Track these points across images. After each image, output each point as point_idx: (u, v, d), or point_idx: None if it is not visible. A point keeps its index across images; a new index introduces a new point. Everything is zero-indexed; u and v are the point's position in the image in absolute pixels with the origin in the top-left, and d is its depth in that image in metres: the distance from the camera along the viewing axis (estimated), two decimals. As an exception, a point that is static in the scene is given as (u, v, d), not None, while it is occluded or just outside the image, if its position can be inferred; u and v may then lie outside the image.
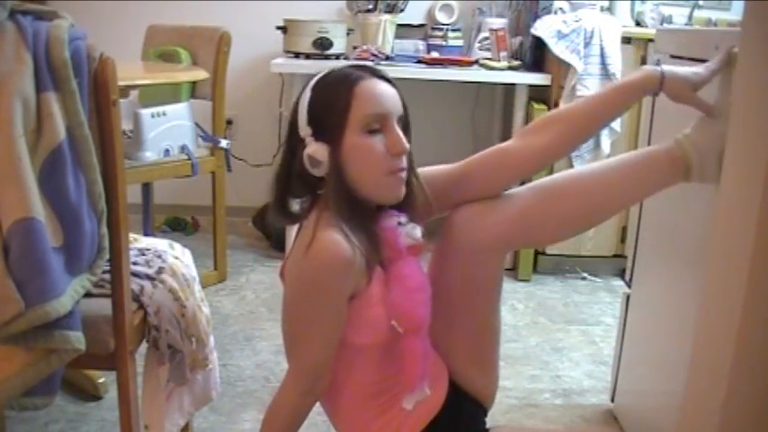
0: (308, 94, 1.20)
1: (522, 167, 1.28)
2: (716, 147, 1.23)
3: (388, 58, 2.95)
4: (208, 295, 1.78)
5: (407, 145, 1.19)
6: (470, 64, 2.91)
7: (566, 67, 2.73)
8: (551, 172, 1.47)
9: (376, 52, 2.94)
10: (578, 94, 2.68)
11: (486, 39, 3.02)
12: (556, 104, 2.77)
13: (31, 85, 1.11)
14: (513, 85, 2.88)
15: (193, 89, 2.69)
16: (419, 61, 2.93)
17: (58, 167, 1.13)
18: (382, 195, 1.21)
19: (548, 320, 2.55)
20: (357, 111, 1.15)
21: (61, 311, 1.12)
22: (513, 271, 2.93)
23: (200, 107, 2.68)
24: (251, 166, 3.41)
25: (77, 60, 1.15)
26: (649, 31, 2.71)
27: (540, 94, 2.88)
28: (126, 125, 2.25)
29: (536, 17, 2.87)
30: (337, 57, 2.91)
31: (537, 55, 2.96)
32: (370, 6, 3.05)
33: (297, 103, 1.22)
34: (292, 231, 1.38)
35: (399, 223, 1.24)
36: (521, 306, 2.66)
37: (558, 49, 2.71)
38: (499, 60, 2.90)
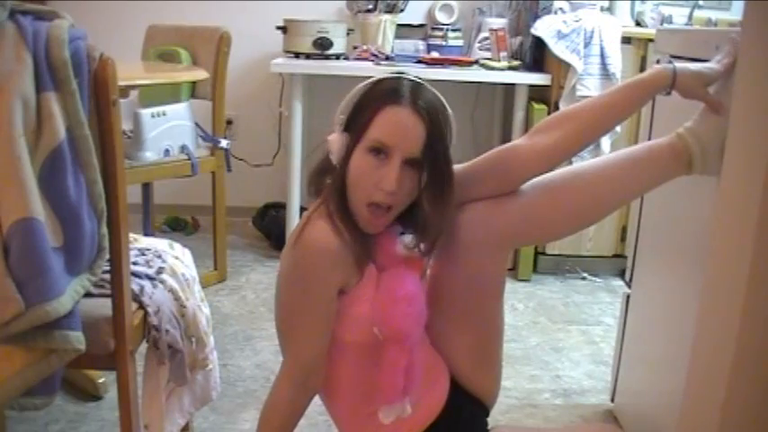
0: (362, 87, 1.22)
1: (531, 167, 1.25)
2: (717, 138, 1.23)
3: (387, 58, 2.96)
4: (208, 295, 1.78)
5: (394, 185, 1.15)
6: (470, 64, 2.91)
7: (566, 67, 2.73)
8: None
9: (376, 52, 2.95)
10: (578, 94, 2.67)
11: (486, 39, 3.02)
12: (556, 104, 2.77)
13: (31, 85, 1.11)
14: (513, 85, 2.88)
15: (193, 89, 2.69)
16: (419, 61, 2.93)
17: (58, 167, 1.13)
18: (360, 221, 1.21)
19: (548, 320, 2.55)
20: (372, 130, 1.17)
21: (61, 311, 1.12)
22: (513, 271, 2.92)
23: (200, 107, 2.69)
24: (251, 166, 3.41)
25: (77, 60, 1.15)
26: (649, 31, 2.71)
27: (540, 95, 2.88)
28: (126, 125, 2.25)
29: (536, 17, 2.87)
30: (337, 57, 2.90)
31: (537, 55, 2.96)
32: (370, 6, 3.05)
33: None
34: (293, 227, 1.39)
35: (401, 233, 1.24)
36: (521, 306, 2.66)
37: (557, 49, 2.71)
38: (499, 60, 2.90)
